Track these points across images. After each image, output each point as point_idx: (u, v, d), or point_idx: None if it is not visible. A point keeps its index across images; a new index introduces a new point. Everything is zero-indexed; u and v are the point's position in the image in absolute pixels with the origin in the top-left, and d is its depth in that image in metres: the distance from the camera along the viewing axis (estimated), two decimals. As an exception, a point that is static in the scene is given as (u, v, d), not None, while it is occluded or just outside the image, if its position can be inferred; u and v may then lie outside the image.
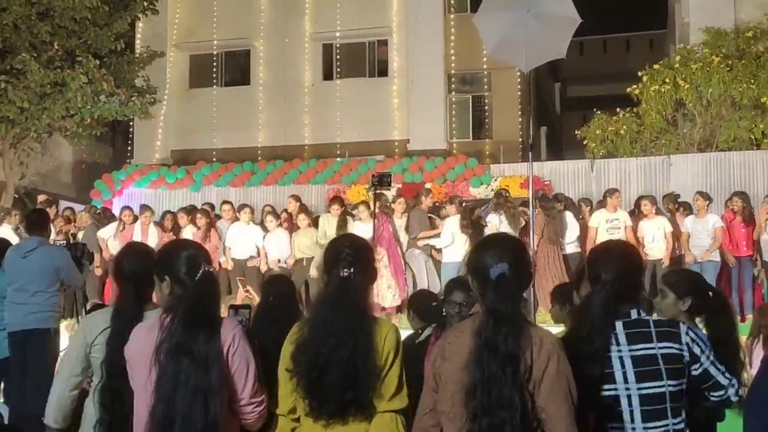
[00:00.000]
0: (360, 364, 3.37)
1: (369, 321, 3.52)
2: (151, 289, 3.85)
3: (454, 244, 12.45)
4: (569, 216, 12.95)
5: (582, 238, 12.83)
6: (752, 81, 16.88)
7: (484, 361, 2.94)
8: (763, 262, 12.38)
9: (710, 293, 4.45)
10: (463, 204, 13.31)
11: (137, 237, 13.45)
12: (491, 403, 2.89)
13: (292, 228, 13.87)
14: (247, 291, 12.87)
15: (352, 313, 3.47)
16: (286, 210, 14.74)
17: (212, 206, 15.30)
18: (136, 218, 13.99)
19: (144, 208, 14.31)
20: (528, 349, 2.96)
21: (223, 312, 3.75)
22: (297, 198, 14.82)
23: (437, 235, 12.92)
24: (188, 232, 13.58)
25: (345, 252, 3.61)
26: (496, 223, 12.50)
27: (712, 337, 4.11)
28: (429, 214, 13.67)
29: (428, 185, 14.85)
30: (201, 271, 3.52)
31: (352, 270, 3.55)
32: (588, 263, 3.67)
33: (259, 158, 21.41)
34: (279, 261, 13.36)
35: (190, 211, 14.59)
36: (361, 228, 12.36)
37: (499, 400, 2.88)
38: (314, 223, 13.74)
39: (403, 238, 13.22)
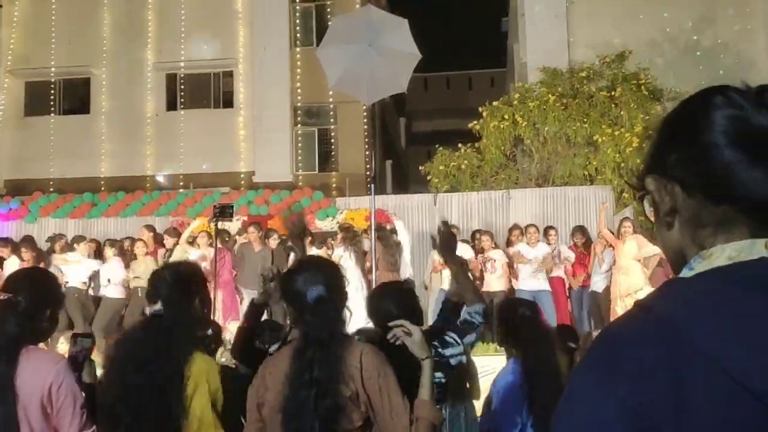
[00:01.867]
0: (164, 393, 3.26)
1: (175, 351, 3.38)
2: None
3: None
4: (404, 243, 13.17)
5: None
6: (585, 119, 17.61)
7: (294, 385, 2.97)
8: (590, 293, 12.98)
9: (522, 320, 4.49)
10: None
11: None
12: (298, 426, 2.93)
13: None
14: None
15: (153, 345, 3.37)
16: (131, 238, 14.41)
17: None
18: None
19: None
20: (356, 361, 2.99)
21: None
22: (151, 228, 14.57)
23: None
24: (13, 264, 12.78)
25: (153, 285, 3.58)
26: (343, 256, 12.54)
27: (528, 370, 4.24)
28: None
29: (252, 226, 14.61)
30: None
31: (160, 303, 3.50)
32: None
33: (102, 189, 20.76)
34: (109, 281, 13.02)
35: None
36: (196, 255, 12.63)
37: (305, 425, 2.92)
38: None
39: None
